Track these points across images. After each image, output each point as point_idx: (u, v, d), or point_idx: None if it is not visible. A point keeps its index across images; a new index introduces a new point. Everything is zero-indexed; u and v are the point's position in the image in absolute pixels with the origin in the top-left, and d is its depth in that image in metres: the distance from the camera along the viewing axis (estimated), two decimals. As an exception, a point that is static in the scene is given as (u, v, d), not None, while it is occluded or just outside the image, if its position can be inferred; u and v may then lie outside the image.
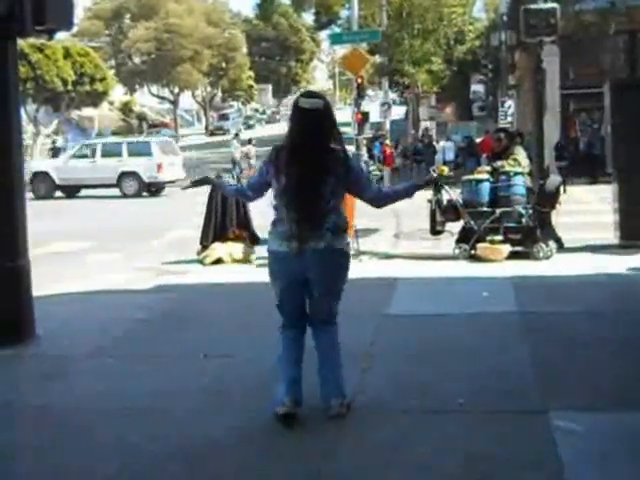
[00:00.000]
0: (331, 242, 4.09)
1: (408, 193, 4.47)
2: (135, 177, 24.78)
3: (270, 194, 4.29)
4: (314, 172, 4.06)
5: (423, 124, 37.04)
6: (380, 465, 3.68)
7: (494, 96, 43.73)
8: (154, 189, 25.36)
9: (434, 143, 29.90)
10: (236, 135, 33.02)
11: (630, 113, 9.66)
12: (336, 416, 4.17)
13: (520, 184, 9.63)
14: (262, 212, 7.17)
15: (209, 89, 69.75)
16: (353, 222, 8.88)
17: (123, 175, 24.69)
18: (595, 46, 22.38)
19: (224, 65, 64.81)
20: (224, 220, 10.11)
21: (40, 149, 37.57)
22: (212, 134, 65.55)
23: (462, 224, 9.77)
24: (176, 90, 63.18)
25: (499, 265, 8.97)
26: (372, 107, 34.24)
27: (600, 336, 5.67)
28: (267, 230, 4.27)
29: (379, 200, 4.40)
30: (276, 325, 4.37)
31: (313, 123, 4.08)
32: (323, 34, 58.43)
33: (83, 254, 11.46)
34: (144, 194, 24.78)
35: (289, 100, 75.63)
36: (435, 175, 5.23)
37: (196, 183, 4.77)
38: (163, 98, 65.88)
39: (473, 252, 9.51)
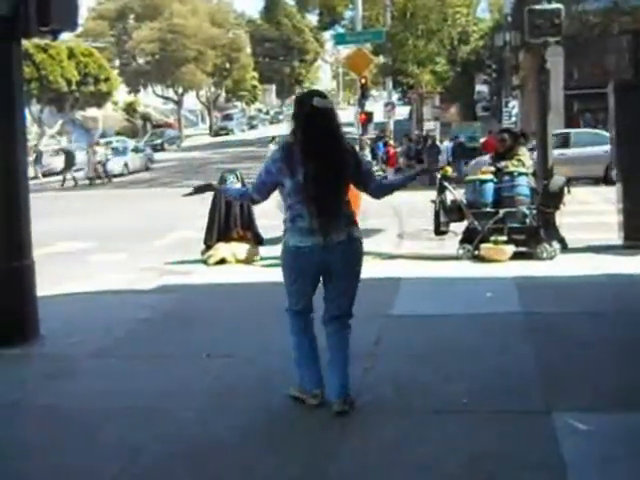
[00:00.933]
0: (350, 232, 4.26)
1: (404, 183, 4.78)
2: None
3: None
4: (332, 167, 4.19)
5: (426, 124, 36.97)
6: (382, 465, 3.68)
7: (498, 96, 43.76)
8: None
9: (437, 143, 29.81)
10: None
11: (634, 113, 9.63)
12: (339, 412, 4.20)
13: (524, 184, 9.61)
14: (266, 212, 7.21)
15: (213, 89, 69.79)
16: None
17: None
18: (599, 46, 22.38)
19: (228, 65, 64.85)
20: (228, 220, 10.11)
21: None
22: (216, 134, 65.64)
23: (466, 224, 9.77)
24: (180, 90, 63.23)
25: (503, 265, 8.95)
26: (376, 107, 34.23)
27: (603, 337, 5.67)
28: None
29: (381, 189, 4.56)
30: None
31: (328, 121, 4.25)
32: (327, 34, 58.42)
33: (86, 254, 11.48)
34: None
35: (293, 100, 75.66)
36: (434, 169, 5.35)
37: (198, 190, 4.60)
38: (167, 98, 65.93)
39: (477, 252, 9.49)
